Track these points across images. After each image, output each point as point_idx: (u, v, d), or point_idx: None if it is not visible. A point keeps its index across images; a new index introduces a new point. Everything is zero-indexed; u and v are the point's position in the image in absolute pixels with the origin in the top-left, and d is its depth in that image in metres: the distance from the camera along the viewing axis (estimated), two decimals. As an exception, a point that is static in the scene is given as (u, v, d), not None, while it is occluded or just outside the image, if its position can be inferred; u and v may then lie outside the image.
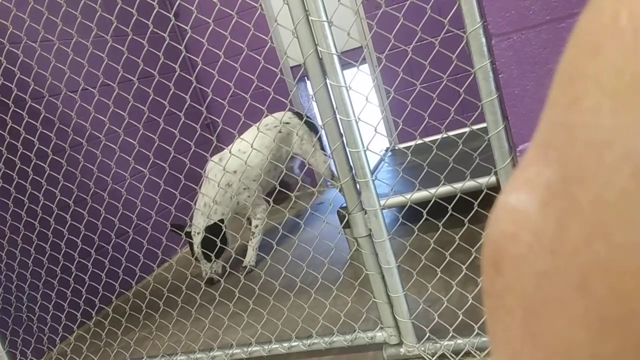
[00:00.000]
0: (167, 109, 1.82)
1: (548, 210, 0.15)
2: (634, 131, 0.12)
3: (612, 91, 0.13)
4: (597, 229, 0.13)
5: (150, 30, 1.66)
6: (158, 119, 1.90)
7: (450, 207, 1.54)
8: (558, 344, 0.14)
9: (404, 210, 1.70)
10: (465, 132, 1.57)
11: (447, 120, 1.57)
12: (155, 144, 1.88)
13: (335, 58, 1.44)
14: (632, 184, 0.12)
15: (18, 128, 1.99)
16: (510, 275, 0.16)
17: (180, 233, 2.71)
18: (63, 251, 2.18)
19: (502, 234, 0.16)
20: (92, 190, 2.14)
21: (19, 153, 2.03)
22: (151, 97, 1.78)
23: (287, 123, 3.14)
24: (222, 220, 2.70)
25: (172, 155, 1.98)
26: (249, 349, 1.92)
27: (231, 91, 1.79)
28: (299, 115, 3.24)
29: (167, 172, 1.91)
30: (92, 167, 2.07)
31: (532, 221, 0.15)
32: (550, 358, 0.14)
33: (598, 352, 0.13)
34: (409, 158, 1.68)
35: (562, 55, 0.16)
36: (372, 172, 1.54)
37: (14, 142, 2.03)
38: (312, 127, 3.24)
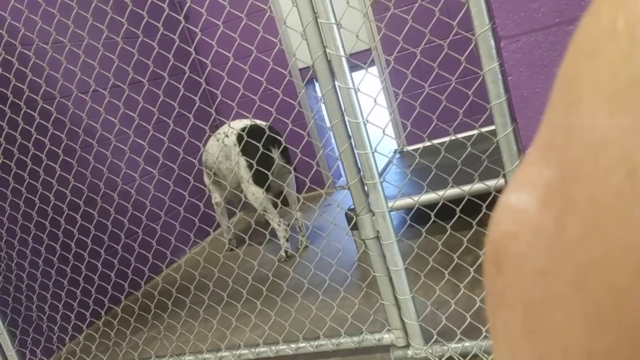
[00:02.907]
0: (176, 110, 1.84)
1: (547, 210, 0.15)
2: (630, 133, 0.13)
3: (609, 94, 0.13)
4: (594, 228, 0.13)
5: (160, 32, 1.67)
6: (168, 120, 1.92)
7: (458, 209, 1.53)
8: (556, 340, 0.14)
9: (412, 212, 1.70)
10: (474, 135, 1.57)
11: (456, 123, 1.58)
12: (165, 145, 1.90)
13: (344, 60, 1.44)
14: (627, 184, 0.12)
15: (29, 129, 2.01)
16: (511, 273, 0.16)
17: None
18: (73, 251, 2.20)
19: (502, 234, 0.17)
20: (102, 191, 2.16)
21: (30, 153, 2.05)
22: (161, 99, 1.79)
23: (226, 137, 2.84)
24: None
25: (181, 157, 2.00)
26: (257, 350, 1.92)
27: (240, 93, 1.80)
28: (256, 132, 2.71)
29: (176, 173, 1.92)
30: (102, 167, 2.09)
31: (532, 221, 0.15)
32: (549, 353, 0.15)
33: (594, 347, 0.13)
34: (417, 160, 1.68)
35: (563, 58, 0.16)
36: (380, 174, 1.54)
37: (25, 142, 2.05)
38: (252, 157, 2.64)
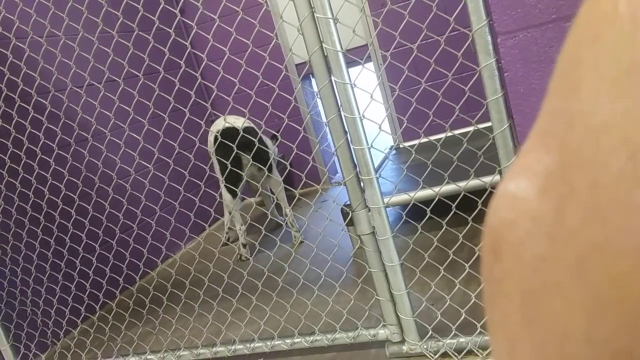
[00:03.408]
0: (172, 104, 1.83)
1: (547, 196, 0.15)
2: (632, 116, 0.12)
3: (611, 78, 0.13)
4: (594, 213, 0.13)
5: (156, 26, 1.66)
6: (163, 115, 1.91)
7: (454, 205, 1.54)
8: (555, 327, 0.14)
9: (408, 208, 1.70)
10: (470, 131, 1.57)
11: (452, 119, 1.57)
12: (160, 140, 1.89)
13: (341, 55, 1.44)
14: (629, 167, 0.12)
15: (24, 122, 2.00)
16: (509, 261, 0.16)
17: None
18: (68, 245, 2.19)
19: (501, 221, 0.16)
20: (97, 185, 2.15)
21: (24, 147, 2.04)
22: (156, 93, 1.79)
23: (212, 133, 2.92)
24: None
25: (176, 151, 1.99)
26: (252, 345, 1.92)
27: (236, 88, 1.79)
28: (254, 134, 2.72)
29: (171, 168, 1.91)
30: (97, 162, 2.08)
31: (531, 207, 0.15)
32: (548, 340, 0.14)
33: (594, 333, 0.13)
34: (413, 156, 1.68)
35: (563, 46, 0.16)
36: (376, 170, 1.54)
37: (19, 136, 2.04)
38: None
